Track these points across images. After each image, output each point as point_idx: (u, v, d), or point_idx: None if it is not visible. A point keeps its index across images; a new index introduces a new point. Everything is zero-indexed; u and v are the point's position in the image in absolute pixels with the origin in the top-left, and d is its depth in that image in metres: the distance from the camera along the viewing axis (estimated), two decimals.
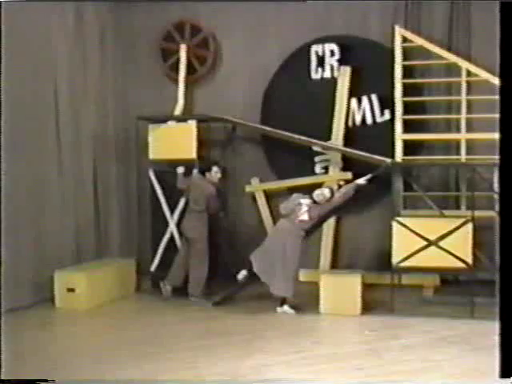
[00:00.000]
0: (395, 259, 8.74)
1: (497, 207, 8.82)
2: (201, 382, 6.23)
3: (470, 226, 8.68)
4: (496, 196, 8.92)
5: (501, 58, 5.57)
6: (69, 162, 10.04)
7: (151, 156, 10.28)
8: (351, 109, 10.53)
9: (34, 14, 9.19)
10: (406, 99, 9.83)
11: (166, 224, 10.24)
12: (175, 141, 10.03)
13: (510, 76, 5.49)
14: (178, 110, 10.88)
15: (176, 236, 10.14)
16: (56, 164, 9.82)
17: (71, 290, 9.26)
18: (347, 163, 10.42)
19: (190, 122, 10.14)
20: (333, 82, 10.59)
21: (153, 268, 10.37)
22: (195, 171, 9.80)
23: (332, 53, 10.59)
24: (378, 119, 10.45)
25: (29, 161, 9.10)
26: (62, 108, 9.92)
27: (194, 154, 9.99)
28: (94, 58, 10.69)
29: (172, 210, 10.18)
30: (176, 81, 11.11)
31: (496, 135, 9.26)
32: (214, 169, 9.63)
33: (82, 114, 10.35)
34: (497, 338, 7.49)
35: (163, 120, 10.40)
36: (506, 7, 5.56)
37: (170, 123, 10.36)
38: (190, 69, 11.12)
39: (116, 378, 6.27)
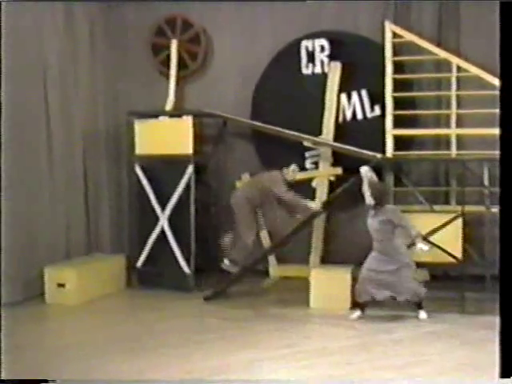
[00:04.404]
0: None
1: (487, 202, 8.87)
2: (201, 382, 6.22)
3: (459, 220, 8.71)
4: (486, 191, 8.96)
5: (501, 57, 5.57)
6: (59, 158, 10.03)
7: (138, 151, 10.31)
8: (341, 104, 10.54)
9: (23, 10, 9.16)
10: (396, 95, 9.84)
11: (156, 220, 10.22)
12: (170, 136, 10.01)
13: (510, 76, 5.48)
14: (168, 106, 10.86)
15: (168, 232, 10.12)
16: (46, 160, 9.81)
17: (61, 285, 9.27)
18: (338, 158, 10.42)
19: (185, 117, 10.13)
20: (323, 77, 10.58)
21: (139, 264, 10.38)
22: None
23: (322, 48, 10.58)
24: (369, 114, 10.44)
25: (19, 157, 9.07)
26: (52, 104, 9.91)
27: (190, 150, 9.98)
28: (85, 54, 10.65)
29: (163, 206, 10.15)
30: (167, 76, 11.08)
31: (485, 130, 9.41)
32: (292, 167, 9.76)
33: (72, 109, 10.32)
34: (486, 332, 7.60)
35: (154, 115, 10.42)
36: (506, 7, 5.55)
37: (161, 118, 10.37)
38: (181, 64, 11.09)
39: (116, 378, 6.25)
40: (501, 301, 5.31)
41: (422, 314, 8.28)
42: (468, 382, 6.03)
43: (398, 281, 8.17)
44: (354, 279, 8.76)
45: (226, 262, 9.60)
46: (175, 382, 6.13)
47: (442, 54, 9.77)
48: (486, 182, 9.11)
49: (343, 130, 10.49)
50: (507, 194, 5.38)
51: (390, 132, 9.82)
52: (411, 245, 8.31)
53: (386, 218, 8.23)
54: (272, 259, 10.79)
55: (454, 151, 9.76)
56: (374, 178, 8.72)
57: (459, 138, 9.84)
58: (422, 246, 8.20)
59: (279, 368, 6.50)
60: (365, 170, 8.76)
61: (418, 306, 8.33)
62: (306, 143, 10.56)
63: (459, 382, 6.03)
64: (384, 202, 8.35)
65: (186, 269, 9.97)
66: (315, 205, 9.53)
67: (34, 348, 7.19)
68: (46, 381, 5.78)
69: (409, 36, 9.86)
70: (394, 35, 9.88)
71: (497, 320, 7.94)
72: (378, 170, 9.12)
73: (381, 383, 6.14)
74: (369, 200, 8.41)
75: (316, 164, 10.66)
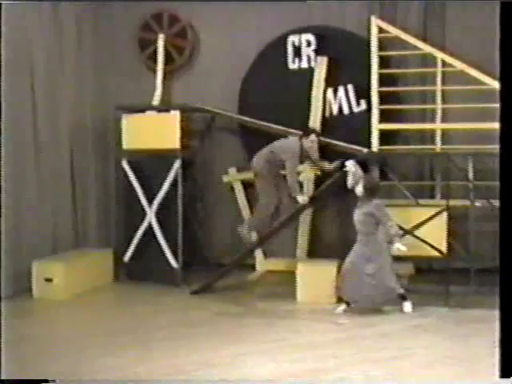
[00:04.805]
0: None
1: (471, 196, 8.94)
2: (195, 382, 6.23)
3: (444, 214, 8.79)
4: (471, 185, 9.03)
5: (501, 57, 5.59)
6: (46, 153, 10.03)
7: (125, 146, 10.35)
8: (328, 99, 10.58)
9: (11, 8, 9.13)
10: (382, 89, 9.89)
11: (143, 214, 10.25)
12: (157, 131, 10.05)
13: (509, 74, 5.51)
14: (156, 100, 10.87)
15: (155, 226, 10.15)
16: (33, 155, 9.82)
17: (49, 279, 9.29)
18: (324, 153, 10.46)
19: (172, 111, 10.16)
20: (310, 72, 10.62)
21: (127, 258, 10.44)
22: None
23: (309, 43, 10.62)
24: (355, 109, 10.50)
25: (5, 151, 9.04)
26: (39, 98, 9.91)
27: (177, 144, 10.01)
28: (72, 49, 10.65)
29: (150, 201, 10.18)
30: (154, 71, 11.08)
31: (470, 125, 9.52)
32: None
33: (59, 104, 10.33)
34: (471, 326, 7.69)
35: (141, 110, 10.45)
36: (506, 7, 5.57)
37: (149, 113, 10.39)
38: (168, 59, 11.11)
39: (103, 372, 6.27)
40: (501, 301, 5.32)
41: (407, 307, 8.33)
42: (468, 381, 6.04)
43: (377, 284, 8.24)
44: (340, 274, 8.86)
45: (244, 227, 9.48)
46: (175, 382, 6.15)
47: (427, 48, 9.82)
48: (471, 177, 9.18)
49: (330, 125, 10.53)
50: (507, 188, 5.39)
51: (376, 126, 9.87)
52: (389, 242, 8.35)
53: (368, 210, 8.30)
54: (259, 253, 10.86)
55: (438, 146, 9.83)
56: (359, 172, 8.77)
57: (444, 132, 9.92)
58: (399, 246, 8.23)
59: (266, 362, 6.55)
60: (350, 164, 8.81)
61: (403, 298, 8.40)
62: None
63: (459, 382, 6.05)
64: (372, 196, 8.38)
65: (174, 263, 10.02)
66: (302, 199, 9.45)
67: (22, 342, 7.20)
68: (47, 381, 5.79)
69: (394, 31, 9.90)
70: (380, 30, 9.91)
71: (481, 313, 8.09)
72: (363, 164, 9.17)
73: None
74: (359, 191, 8.45)
75: None
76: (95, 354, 6.81)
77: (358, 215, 8.43)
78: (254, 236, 9.61)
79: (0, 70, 8.21)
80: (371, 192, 8.39)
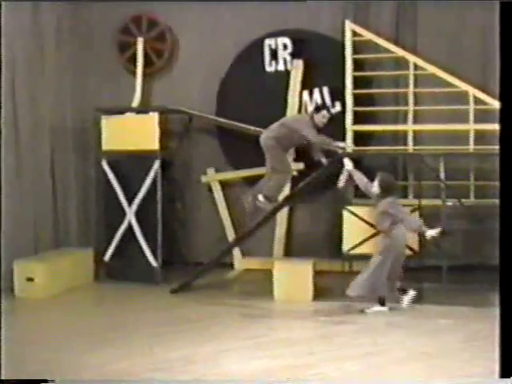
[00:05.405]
0: (346, 247, 9.05)
1: (443, 196, 9.15)
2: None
3: (417, 214, 9.00)
4: (442, 185, 9.26)
5: (501, 57, 5.73)
6: (26, 153, 10.11)
7: (104, 147, 10.46)
8: (304, 101, 10.78)
9: None
10: (356, 92, 10.11)
11: (123, 214, 10.39)
12: (136, 132, 10.20)
13: (509, 74, 5.63)
14: (135, 102, 11.00)
15: (135, 226, 10.31)
16: (14, 155, 9.88)
17: (30, 279, 9.39)
18: (300, 154, 10.63)
19: (151, 113, 10.32)
20: (286, 74, 10.81)
21: (107, 257, 10.56)
22: None
23: (285, 46, 10.82)
24: (330, 111, 10.69)
25: None
26: (19, 99, 9.99)
27: (156, 145, 10.17)
28: (51, 51, 10.70)
29: (130, 201, 10.32)
30: (133, 73, 11.21)
31: (441, 126, 9.79)
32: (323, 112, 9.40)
33: (39, 104, 10.40)
34: (444, 322, 7.90)
35: (121, 111, 10.58)
36: (506, 7, 5.65)
37: (128, 114, 10.55)
38: (148, 61, 11.23)
39: (83, 370, 6.38)
40: (501, 300, 5.36)
41: (371, 309, 8.44)
42: (467, 381, 6.11)
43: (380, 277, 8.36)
44: (316, 272, 9.05)
45: (261, 198, 9.36)
46: (158, 379, 6.25)
47: (400, 52, 10.05)
48: (442, 176, 9.38)
49: None
50: (507, 188, 5.49)
51: (350, 128, 10.09)
52: (421, 234, 8.44)
53: (382, 209, 8.30)
54: (237, 252, 11.05)
55: (410, 146, 10.05)
56: (354, 171, 8.96)
57: (416, 133, 10.14)
58: (431, 232, 8.15)
59: (246, 358, 6.69)
60: (348, 162, 8.93)
61: (380, 301, 8.49)
62: None
63: (459, 382, 6.11)
64: (387, 194, 8.34)
65: (153, 262, 10.18)
66: (344, 144, 9.51)
67: (3, 341, 7.29)
68: (46, 381, 5.86)
69: (368, 35, 10.11)
70: (354, 34, 10.13)
71: (453, 309, 8.29)
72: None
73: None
74: (374, 190, 8.42)
75: None
76: (77, 352, 6.90)
77: (376, 215, 8.49)
78: (270, 206, 9.43)
79: (0, 70, 8.29)
80: (386, 190, 8.32)
